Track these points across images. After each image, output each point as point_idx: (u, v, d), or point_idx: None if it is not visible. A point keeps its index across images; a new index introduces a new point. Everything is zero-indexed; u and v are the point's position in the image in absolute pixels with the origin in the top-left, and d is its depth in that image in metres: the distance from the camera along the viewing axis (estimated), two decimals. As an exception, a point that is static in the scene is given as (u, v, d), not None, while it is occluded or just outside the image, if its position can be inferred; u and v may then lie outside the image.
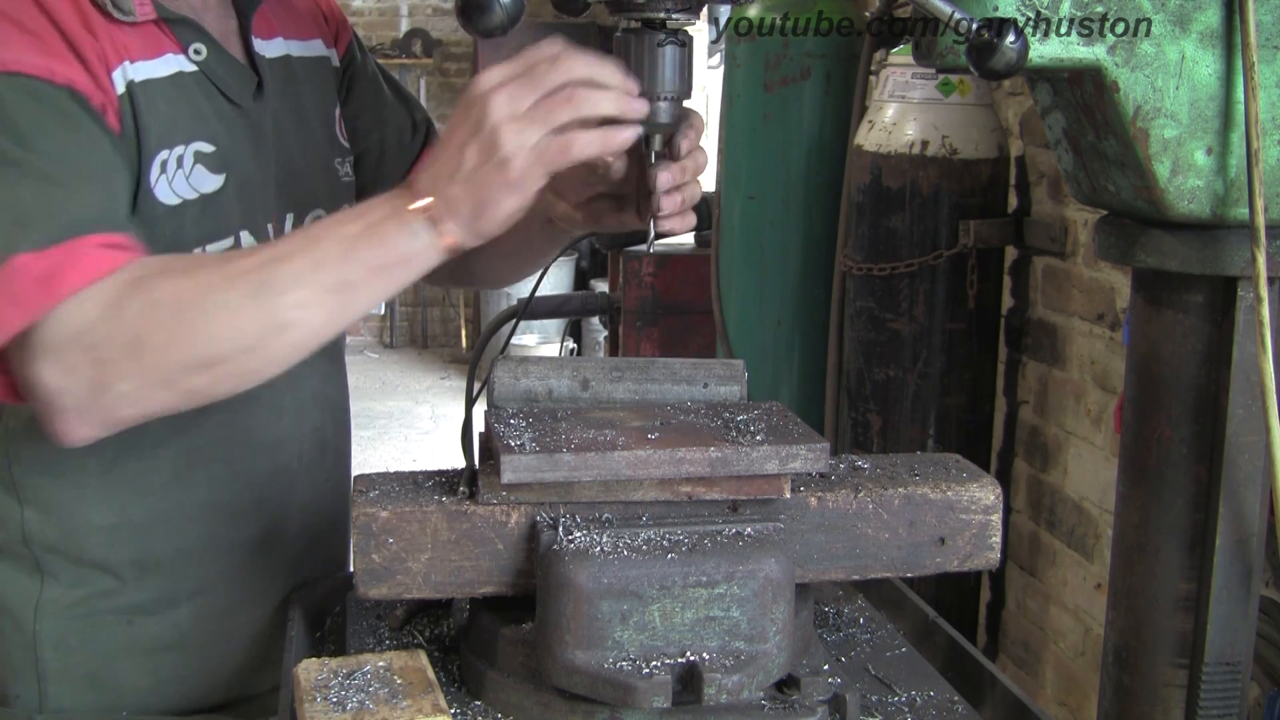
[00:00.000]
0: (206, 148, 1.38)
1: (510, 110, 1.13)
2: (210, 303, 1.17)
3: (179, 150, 1.36)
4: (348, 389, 1.70)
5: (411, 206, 1.18)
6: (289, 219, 1.50)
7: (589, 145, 1.16)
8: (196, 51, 1.39)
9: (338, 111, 1.62)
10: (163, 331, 1.17)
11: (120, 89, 1.30)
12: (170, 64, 1.37)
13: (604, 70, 1.17)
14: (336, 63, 1.63)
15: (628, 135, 1.18)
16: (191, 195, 1.36)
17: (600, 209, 1.39)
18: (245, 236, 1.42)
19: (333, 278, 1.18)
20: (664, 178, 1.26)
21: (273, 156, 1.47)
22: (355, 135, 1.66)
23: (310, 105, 1.55)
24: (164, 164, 1.34)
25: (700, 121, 1.29)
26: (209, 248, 1.38)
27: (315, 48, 1.59)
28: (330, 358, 1.61)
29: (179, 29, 1.38)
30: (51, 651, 1.45)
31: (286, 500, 1.55)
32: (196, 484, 1.46)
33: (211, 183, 1.38)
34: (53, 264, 1.16)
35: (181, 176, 1.36)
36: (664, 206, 1.27)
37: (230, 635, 1.53)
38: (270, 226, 1.46)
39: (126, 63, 1.31)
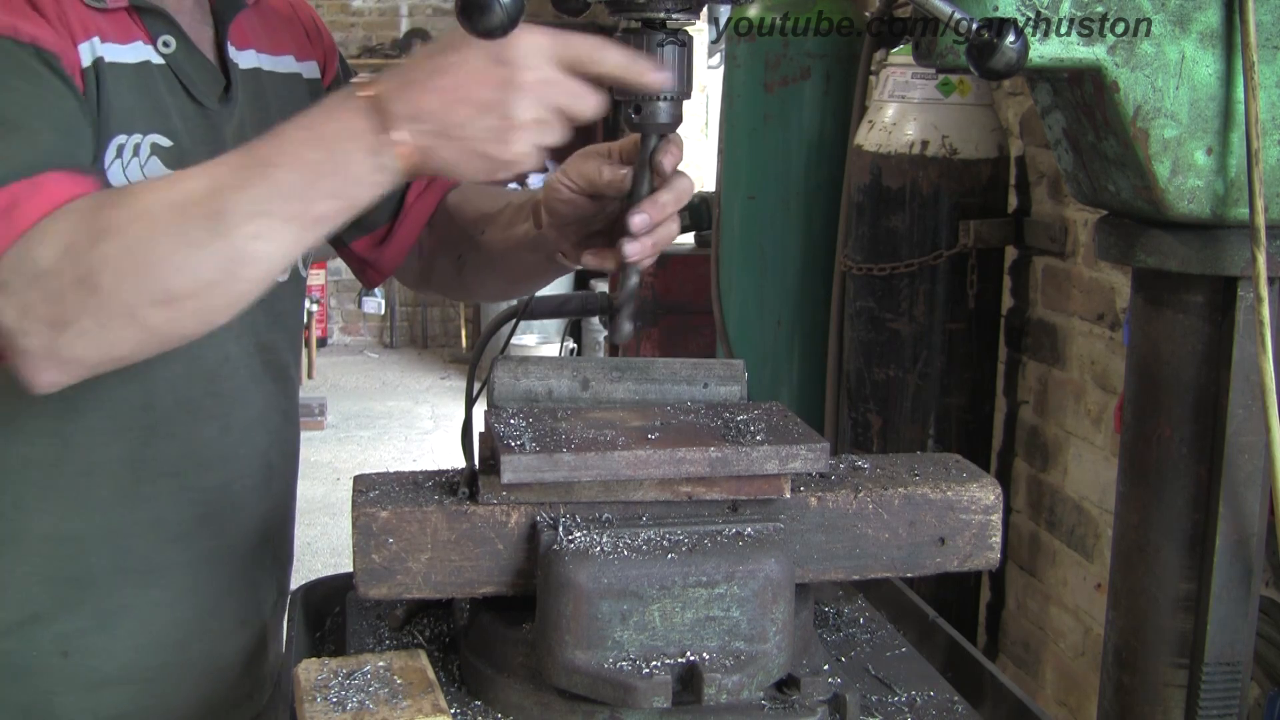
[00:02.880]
0: (164, 141, 1.35)
1: (540, 94, 1.09)
2: (163, 234, 1.10)
3: (136, 139, 1.32)
4: (297, 417, 1.63)
5: (393, 137, 1.09)
6: None
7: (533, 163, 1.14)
8: (165, 44, 1.37)
9: None
10: (116, 266, 1.10)
11: (86, 61, 1.27)
12: (139, 52, 1.34)
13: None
14: (315, 75, 1.60)
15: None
16: None
17: (601, 247, 1.37)
18: None
19: (293, 208, 1.11)
20: (638, 220, 1.25)
21: None
22: None
23: (278, 120, 1.51)
24: (120, 148, 1.31)
25: (680, 142, 1.27)
26: None
27: (287, 63, 1.56)
28: (278, 379, 1.55)
29: (150, 19, 1.36)
30: None
31: (231, 524, 1.49)
32: (143, 499, 1.41)
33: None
34: (11, 198, 1.12)
35: (136, 165, 1.32)
36: (629, 253, 1.25)
37: (181, 669, 1.47)
38: None
39: (96, 39, 1.29)
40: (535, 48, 1.09)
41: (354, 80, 1.14)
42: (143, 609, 1.44)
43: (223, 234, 1.10)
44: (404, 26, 9.28)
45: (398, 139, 1.10)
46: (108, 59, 1.30)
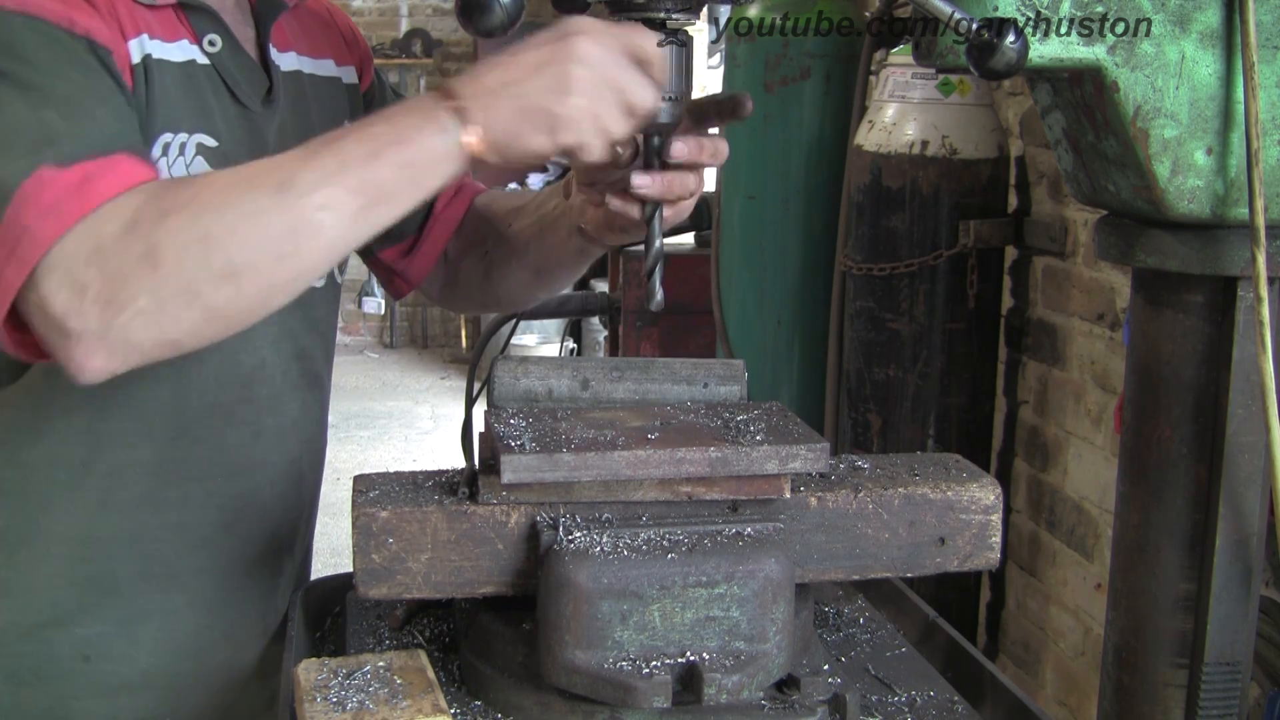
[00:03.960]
0: (209, 141, 1.34)
1: (596, 64, 1.11)
2: (230, 205, 1.09)
3: (182, 137, 1.32)
4: (327, 425, 1.63)
5: (459, 110, 1.12)
6: None
7: (602, 155, 1.15)
8: (211, 43, 1.36)
9: None
10: (181, 237, 1.08)
11: (136, 58, 1.27)
12: (185, 51, 1.34)
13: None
14: (354, 80, 1.60)
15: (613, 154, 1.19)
16: None
17: (627, 220, 1.37)
18: None
19: (358, 177, 1.11)
20: (638, 179, 1.25)
21: None
22: None
23: (319, 124, 1.50)
24: (166, 146, 1.30)
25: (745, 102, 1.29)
26: None
27: (327, 67, 1.56)
28: (313, 387, 1.54)
29: (196, 18, 1.35)
30: (5, 684, 1.39)
31: (256, 531, 1.49)
32: (169, 504, 1.40)
33: None
34: (85, 174, 1.10)
35: (182, 163, 1.32)
36: (638, 183, 1.25)
37: (200, 677, 1.47)
38: None
39: (145, 35, 1.28)
40: (593, 26, 1.12)
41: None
42: (165, 614, 1.43)
43: (289, 204, 1.09)
44: (404, 26, 9.28)
45: (463, 113, 1.11)
46: (155, 56, 1.29)
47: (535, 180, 7.48)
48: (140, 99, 1.27)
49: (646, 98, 1.14)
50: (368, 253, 1.66)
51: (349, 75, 1.60)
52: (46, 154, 1.11)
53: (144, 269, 1.07)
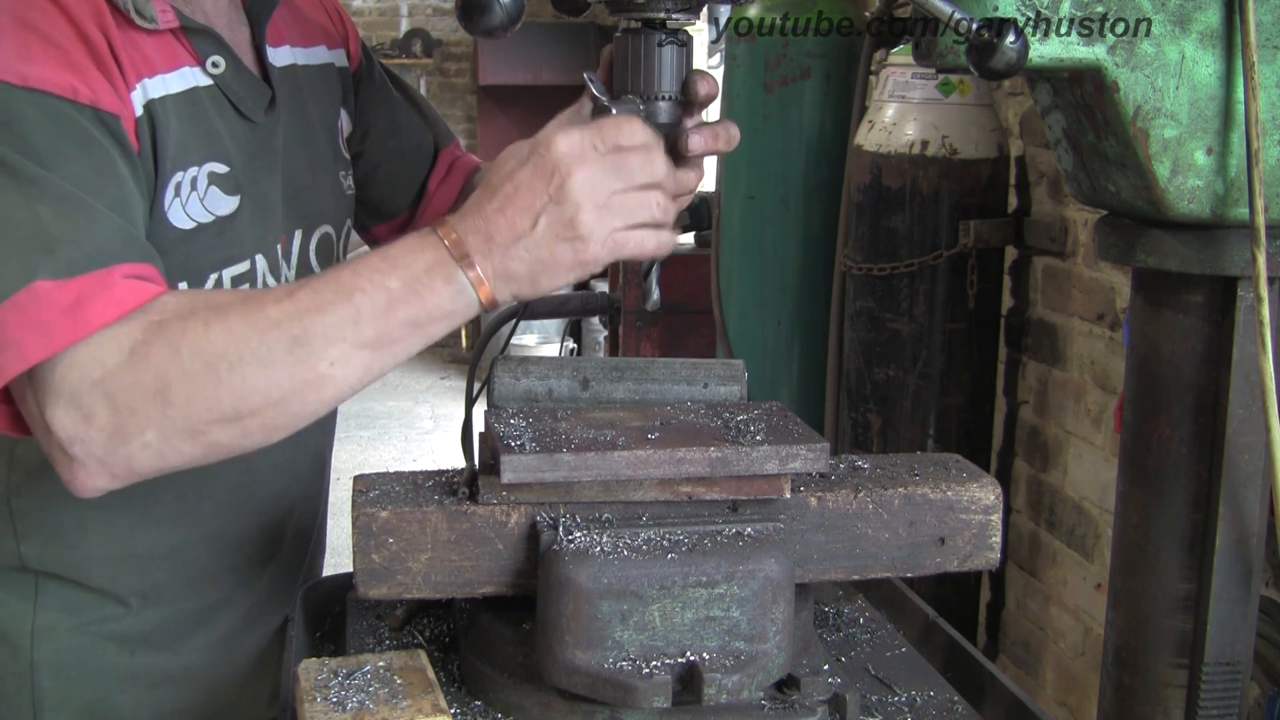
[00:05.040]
0: (220, 168, 1.34)
1: (594, 194, 1.11)
2: (243, 355, 1.10)
3: (193, 171, 1.31)
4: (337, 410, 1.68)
5: (470, 266, 1.12)
6: (297, 235, 1.47)
7: (660, 246, 1.16)
8: (214, 65, 1.35)
9: (341, 121, 1.59)
10: (192, 382, 1.09)
11: (139, 110, 1.25)
12: (186, 78, 1.32)
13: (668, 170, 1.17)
14: (344, 64, 1.61)
15: (673, 238, 1.20)
16: (206, 218, 1.32)
17: None
18: (259, 260, 1.39)
19: (371, 333, 1.12)
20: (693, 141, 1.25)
21: (281, 173, 1.43)
22: (368, 143, 1.64)
23: (316, 118, 1.52)
24: (178, 186, 1.29)
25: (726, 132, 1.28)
26: (225, 272, 1.34)
27: (319, 54, 1.57)
28: None
29: (198, 40, 1.34)
30: (50, 680, 1.41)
31: (284, 524, 1.53)
32: (205, 515, 1.44)
33: (226, 205, 1.34)
34: (80, 292, 1.09)
35: (196, 199, 1.31)
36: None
37: (232, 664, 1.51)
38: (279, 245, 1.43)
39: (145, 79, 1.26)
40: (570, 146, 1.11)
41: (440, 223, 1.15)
42: (204, 613, 1.48)
43: (300, 359, 1.11)
44: (404, 27, 9.28)
45: (473, 266, 1.12)
46: (157, 95, 1.27)
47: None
48: (147, 148, 1.26)
49: (650, 173, 1.15)
50: (361, 228, 1.67)
51: (340, 59, 1.61)
52: (43, 265, 1.09)
53: (155, 406, 1.09)
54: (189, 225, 1.31)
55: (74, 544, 1.39)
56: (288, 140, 1.44)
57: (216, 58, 1.35)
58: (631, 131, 1.14)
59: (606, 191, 1.12)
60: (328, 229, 1.52)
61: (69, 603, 1.42)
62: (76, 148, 1.16)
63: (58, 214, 1.11)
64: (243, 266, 1.37)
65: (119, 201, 1.18)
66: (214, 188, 1.33)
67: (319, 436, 1.58)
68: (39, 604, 1.41)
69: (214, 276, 1.34)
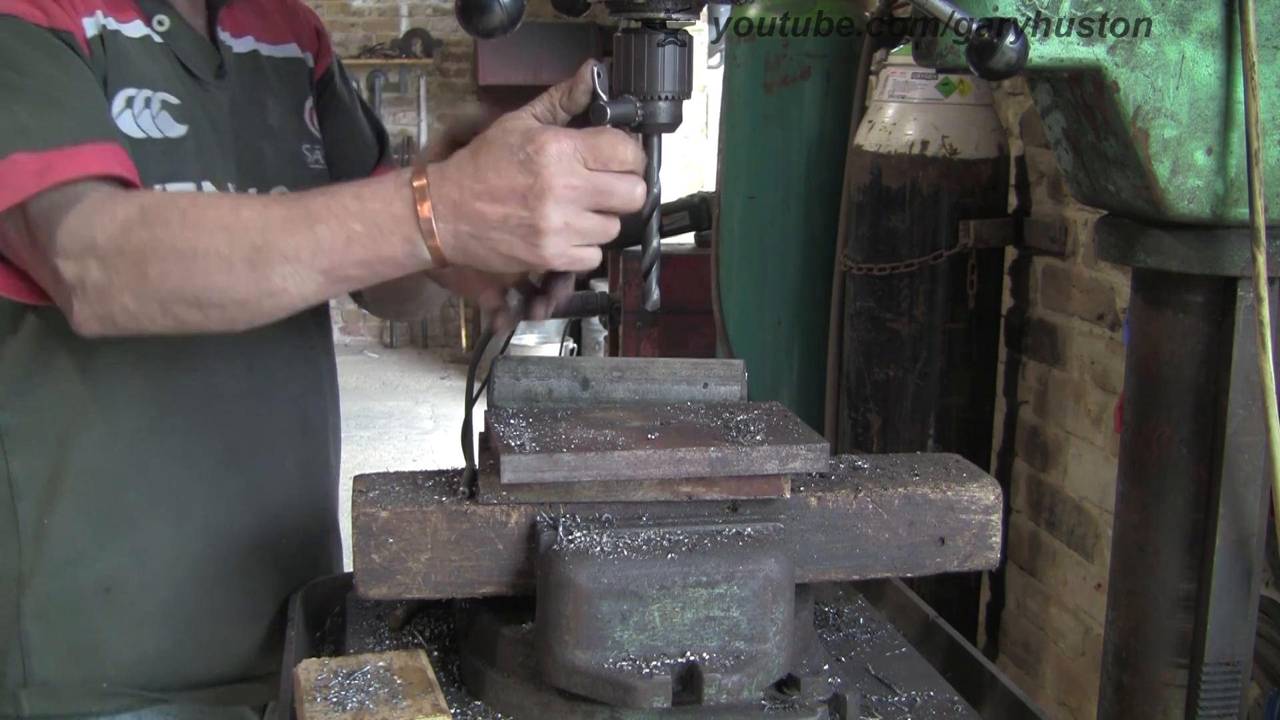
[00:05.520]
0: (172, 99, 1.43)
1: (565, 212, 1.14)
2: (210, 254, 1.21)
3: (146, 93, 1.41)
4: (335, 382, 1.72)
5: (430, 231, 1.17)
6: (252, 192, 1.52)
7: (596, 262, 1.19)
8: (160, 23, 1.45)
9: (309, 104, 1.65)
10: (164, 264, 1.21)
11: (92, 32, 1.37)
12: (138, 29, 1.43)
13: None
14: (312, 65, 1.67)
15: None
16: (156, 134, 1.41)
17: (473, 277, 1.40)
18: (207, 185, 1.45)
19: (326, 263, 1.20)
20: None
21: (231, 135, 1.50)
22: (324, 144, 1.68)
23: (276, 95, 1.58)
24: (130, 100, 1.39)
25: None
26: (169, 187, 1.41)
27: (288, 50, 1.63)
28: (303, 332, 1.62)
29: (144, 1, 1.44)
30: (34, 624, 1.46)
31: (262, 465, 1.55)
32: (169, 434, 1.48)
33: (175, 130, 1.43)
34: (49, 162, 1.25)
35: (148, 116, 1.40)
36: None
37: (220, 610, 1.53)
38: (230, 188, 1.49)
39: (99, 13, 1.38)
40: (559, 154, 1.14)
41: (418, 175, 1.18)
42: (178, 544, 1.50)
43: (259, 268, 1.20)
44: (404, 27, 9.28)
45: (433, 233, 1.17)
46: (112, 28, 1.39)
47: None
48: (100, 64, 1.37)
49: (624, 199, 1.17)
50: None
51: (310, 60, 1.67)
52: (18, 143, 1.25)
53: (132, 278, 1.22)
54: (138, 134, 1.39)
55: (52, 457, 1.45)
56: (238, 109, 1.52)
57: (161, 16, 1.45)
58: (624, 156, 1.16)
59: (578, 210, 1.15)
60: (283, 189, 1.55)
61: (51, 548, 1.45)
62: (45, 56, 1.31)
63: (33, 110, 1.27)
64: (188, 186, 1.43)
65: (87, 97, 1.33)
66: (165, 112, 1.43)
67: (295, 385, 1.60)
68: (22, 547, 1.45)
69: (159, 189, 1.40)
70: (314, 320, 1.64)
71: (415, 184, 1.17)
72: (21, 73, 1.28)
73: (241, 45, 1.55)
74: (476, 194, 1.15)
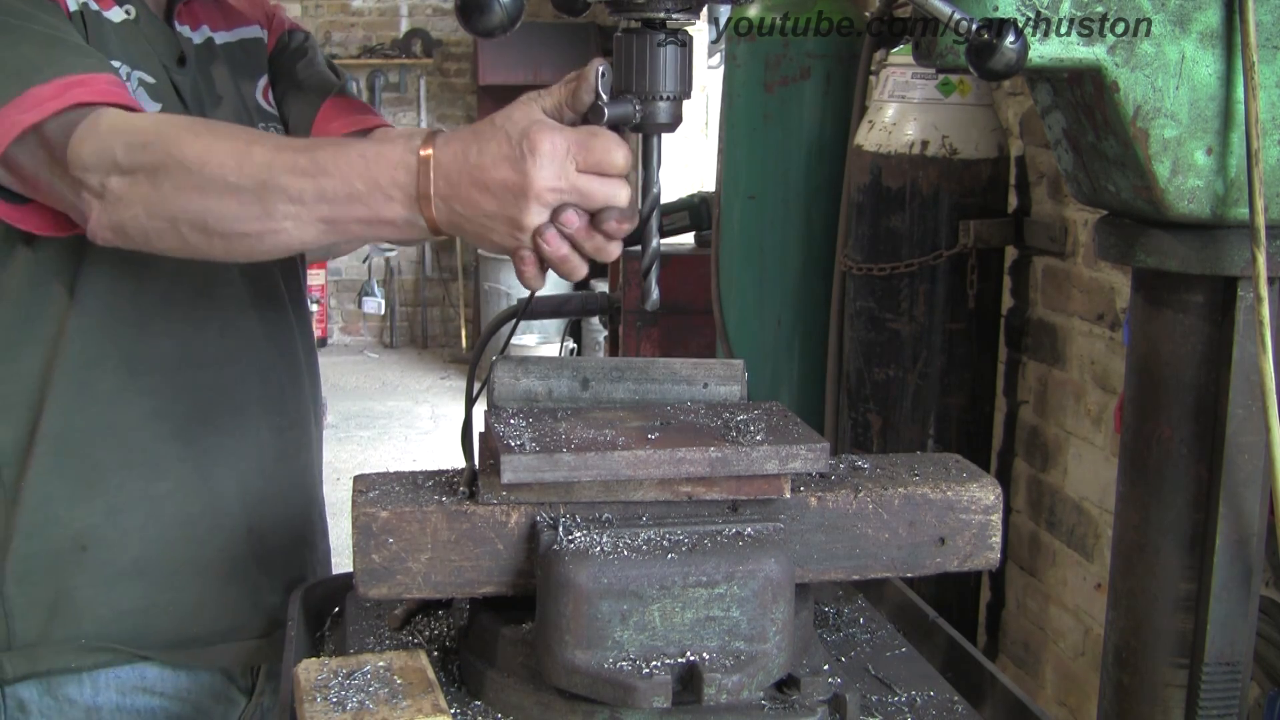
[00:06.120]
0: (148, 78, 1.50)
1: (545, 216, 1.16)
2: (219, 180, 1.25)
3: (124, 69, 1.47)
4: (316, 358, 1.75)
5: (429, 204, 1.20)
6: None
7: (577, 269, 1.21)
8: (127, 11, 1.51)
9: (263, 82, 1.69)
10: (175, 183, 1.27)
11: (73, 7, 1.44)
12: (117, 15, 1.50)
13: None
14: (265, 38, 1.72)
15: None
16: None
17: None
18: None
19: (328, 213, 1.24)
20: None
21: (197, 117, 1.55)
22: (279, 87, 1.73)
23: (231, 77, 1.63)
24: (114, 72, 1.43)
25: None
26: None
27: (247, 32, 1.69)
28: (274, 301, 1.65)
29: None
30: (15, 587, 1.50)
31: (233, 425, 1.57)
32: (141, 393, 1.51)
33: (151, 108, 1.48)
34: (66, 85, 1.32)
35: (128, 90, 1.43)
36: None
37: (195, 567, 1.55)
38: None
39: None
40: (551, 155, 1.15)
41: (426, 144, 1.21)
42: (150, 502, 1.53)
43: (264, 202, 1.24)
44: (404, 26, 9.28)
45: (430, 206, 1.20)
46: (92, 8, 1.46)
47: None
48: (83, 36, 1.43)
49: (608, 201, 1.17)
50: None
51: (264, 36, 1.73)
52: (33, 79, 1.32)
53: (147, 187, 1.28)
54: None
55: (31, 419, 1.48)
56: (198, 97, 1.57)
57: (130, 5, 1.52)
58: (614, 160, 1.17)
59: (566, 215, 1.17)
60: None
61: (28, 509, 1.49)
62: (41, 11, 1.38)
63: (40, 48, 1.35)
64: None
65: (86, 50, 1.40)
66: (142, 89, 1.49)
67: (269, 351, 1.62)
68: (2, 513, 1.49)
69: None
70: (288, 291, 1.67)
71: (421, 153, 1.20)
72: (25, 19, 1.35)
73: (198, 36, 1.61)
74: (471, 181, 1.17)
